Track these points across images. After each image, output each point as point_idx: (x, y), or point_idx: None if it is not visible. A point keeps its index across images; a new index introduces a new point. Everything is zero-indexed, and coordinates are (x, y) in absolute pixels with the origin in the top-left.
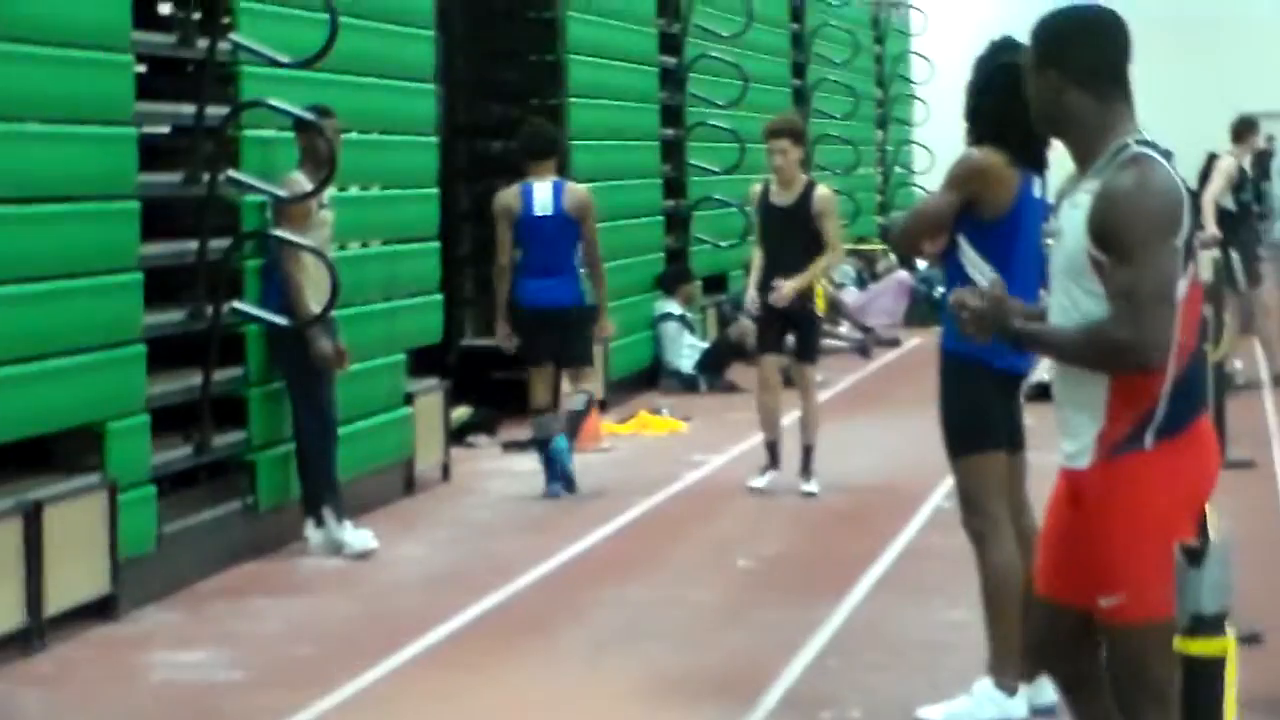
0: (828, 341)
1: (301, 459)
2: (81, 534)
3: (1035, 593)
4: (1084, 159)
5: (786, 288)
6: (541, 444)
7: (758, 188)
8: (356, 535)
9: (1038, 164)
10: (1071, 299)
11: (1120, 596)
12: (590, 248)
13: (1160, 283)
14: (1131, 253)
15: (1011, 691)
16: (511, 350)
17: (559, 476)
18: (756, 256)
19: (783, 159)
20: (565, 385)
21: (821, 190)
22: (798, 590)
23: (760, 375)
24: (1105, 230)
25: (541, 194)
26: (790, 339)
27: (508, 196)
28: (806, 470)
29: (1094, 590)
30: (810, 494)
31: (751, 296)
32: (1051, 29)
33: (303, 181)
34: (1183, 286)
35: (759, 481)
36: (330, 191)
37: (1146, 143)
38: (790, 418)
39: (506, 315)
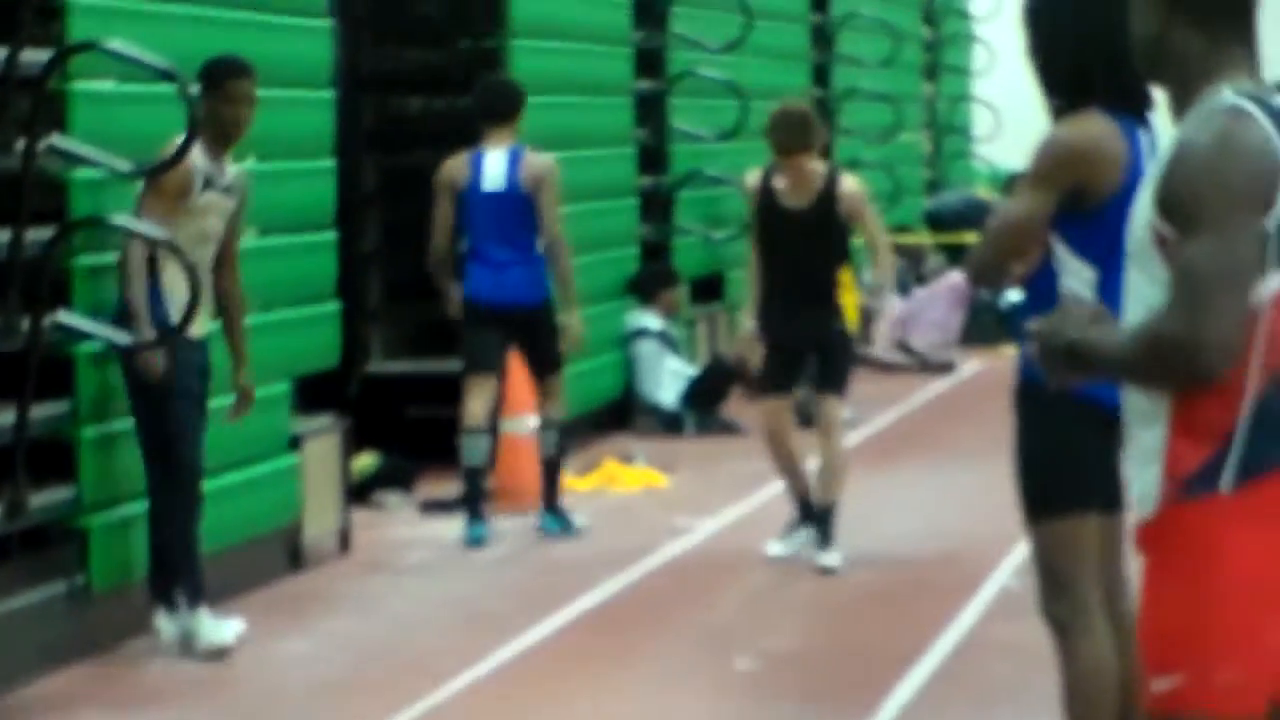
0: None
1: (153, 524)
2: None
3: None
4: (1180, 109)
5: (888, 299)
6: (468, 474)
7: (755, 177)
8: (215, 626)
9: (1141, 107)
10: (1138, 293)
11: (1176, 678)
12: (549, 229)
13: (1230, 267)
14: (1198, 224)
15: None
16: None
17: (482, 516)
18: (755, 273)
19: (798, 175)
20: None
21: (848, 185)
22: (815, 700)
23: (766, 425)
24: (1171, 197)
25: (494, 165)
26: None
27: (453, 166)
28: (825, 538)
29: (1146, 670)
30: (830, 569)
31: (749, 328)
32: None
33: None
34: (1276, 283)
35: (781, 546)
36: (231, 172)
37: (1252, 95)
38: (807, 466)
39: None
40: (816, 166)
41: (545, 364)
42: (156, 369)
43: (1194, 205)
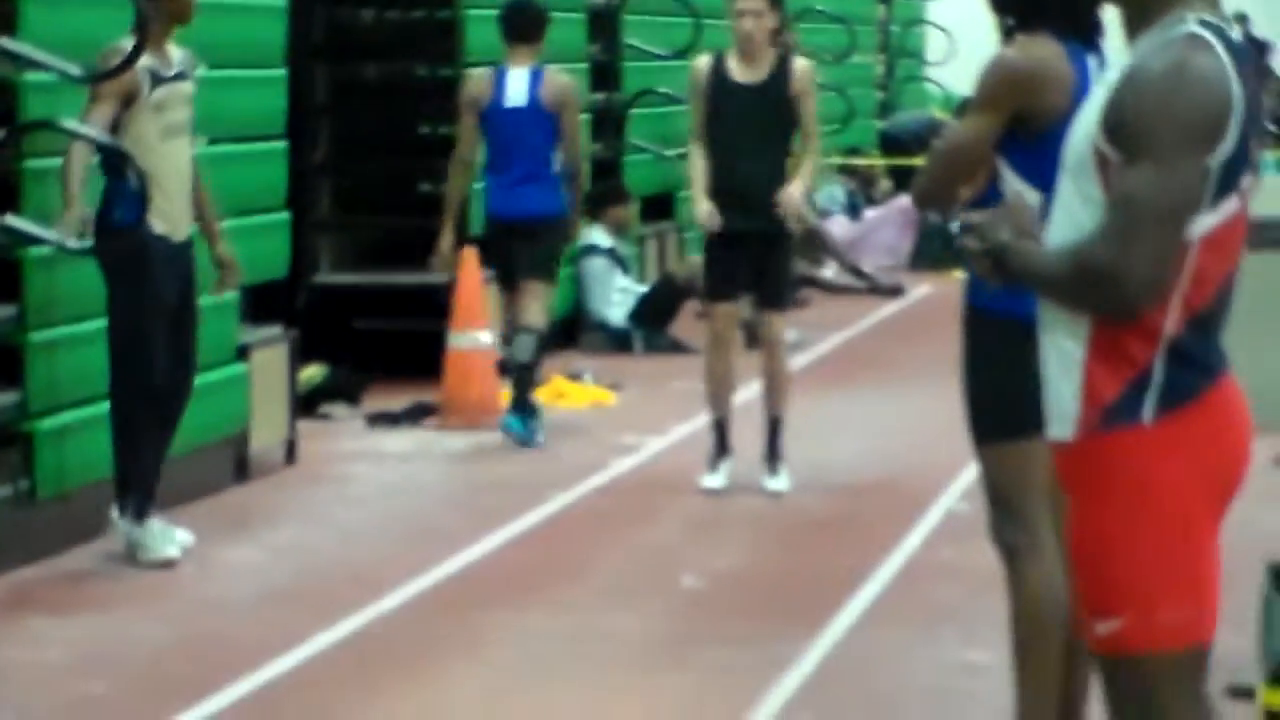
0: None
1: (111, 429)
2: None
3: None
4: (1135, 31)
5: (794, 194)
6: (521, 369)
7: (704, 62)
8: (160, 538)
9: (1092, 32)
10: (1067, 208)
11: (1120, 620)
12: (570, 147)
13: (1169, 202)
14: (1142, 153)
15: None
16: (449, 275)
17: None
18: (697, 157)
19: (754, 23)
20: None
21: (801, 63)
22: (760, 619)
23: (711, 329)
24: (1119, 119)
25: (516, 82)
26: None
27: (478, 82)
28: (773, 459)
29: (1088, 612)
30: (777, 492)
31: (707, 210)
32: None
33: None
34: (1208, 222)
35: (716, 479)
36: (176, 58)
37: (1212, 25)
38: (750, 390)
39: (456, 224)
40: (770, 23)
41: (543, 270)
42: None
43: (1142, 133)
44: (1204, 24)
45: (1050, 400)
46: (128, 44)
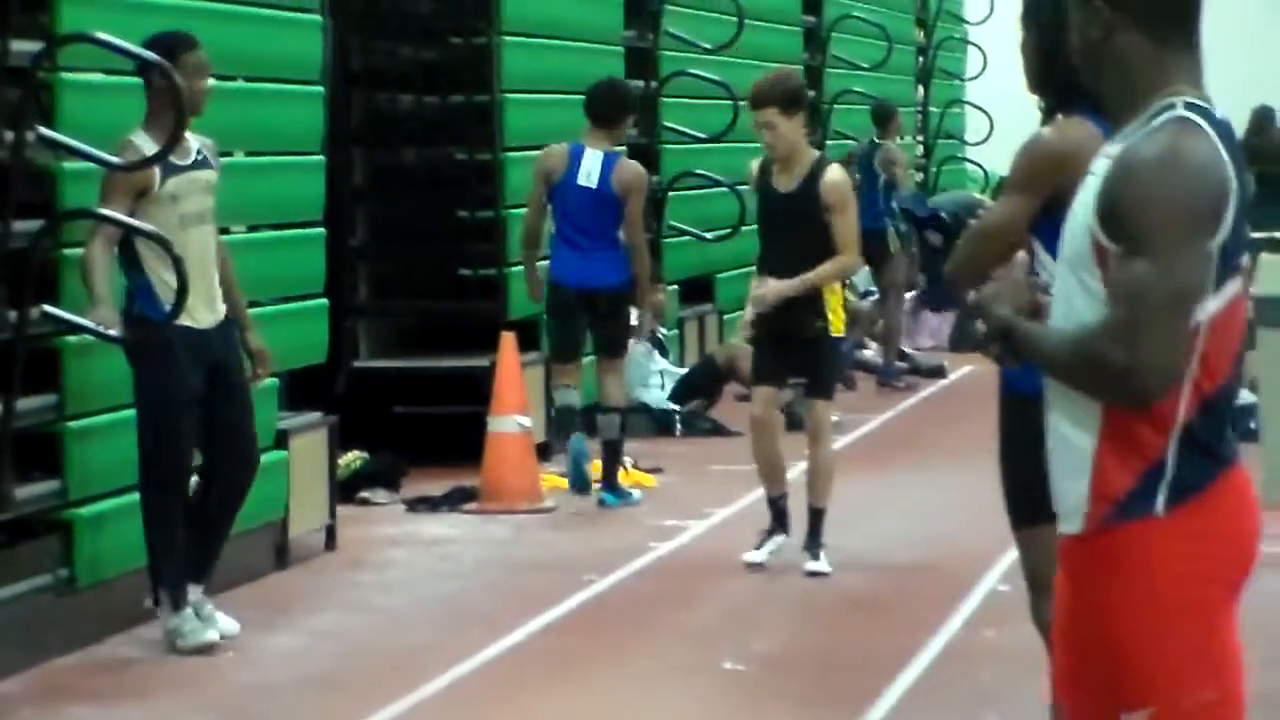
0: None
1: (144, 516)
2: None
3: (1055, 701)
4: (1122, 118)
5: (772, 289)
6: (609, 445)
7: (757, 164)
8: (199, 626)
9: None
10: (1066, 299)
11: (1149, 710)
12: (632, 231)
13: (1177, 291)
14: (1144, 244)
15: None
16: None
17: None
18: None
19: (772, 135)
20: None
21: (833, 174)
22: (801, 703)
23: (754, 414)
24: (1116, 208)
25: (590, 163)
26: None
27: (553, 157)
28: (814, 543)
29: (1114, 705)
30: (819, 574)
31: (750, 311)
32: None
33: (141, 146)
34: (1214, 305)
35: (758, 555)
36: (193, 146)
37: (1200, 108)
38: (795, 471)
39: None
40: (805, 150)
41: (614, 345)
42: (105, 316)
43: (1140, 224)
44: (1191, 107)
45: (1057, 495)
46: (139, 137)
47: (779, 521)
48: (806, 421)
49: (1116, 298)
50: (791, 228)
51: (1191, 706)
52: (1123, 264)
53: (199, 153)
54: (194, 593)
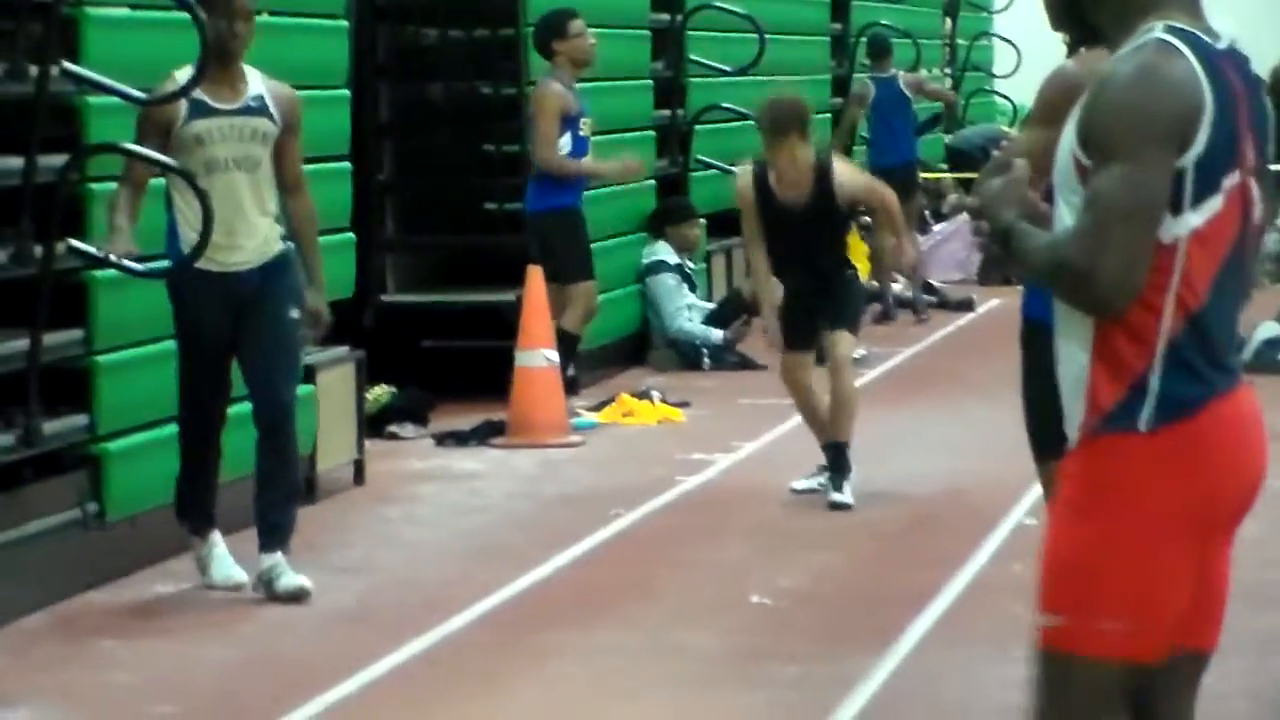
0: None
1: (179, 449)
2: None
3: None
4: (1116, 45)
5: (909, 252)
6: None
7: (748, 175)
8: (230, 563)
9: None
10: (1061, 222)
11: (1061, 618)
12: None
13: (1135, 201)
14: (1109, 155)
15: None
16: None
17: None
18: (759, 260)
19: (791, 163)
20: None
21: (841, 172)
22: (829, 636)
23: (787, 380)
24: (1090, 126)
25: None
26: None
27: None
28: (838, 475)
29: (1038, 604)
30: (842, 505)
31: (769, 308)
32: None
33: (179, 83)
34: (1195, 220)
35: (803, 482)
36: (250, 92)
37: (1184, 32)
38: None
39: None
40: (806, 155)
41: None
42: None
43: (1108, 136)
44: (1173, 30)
45: (1066, 418)
46: (182, 74)
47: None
48: (829, 355)
49: (1084, 206)
50: (807, 235)
51: (1105, 629)
52: (1092, 176)
53: (257, 99)
54: (267, 559)
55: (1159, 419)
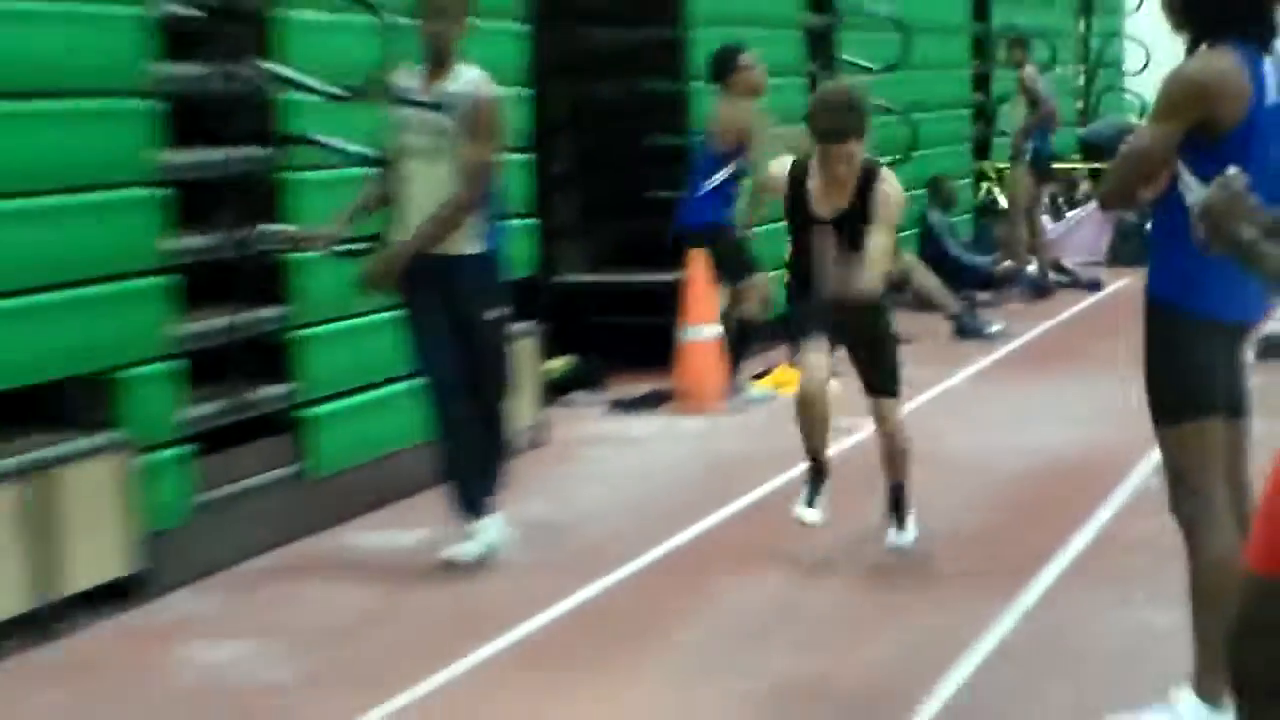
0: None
1: None
2: (96, 502)
3: (1249, 565)
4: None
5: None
6: None
7: (782, 167)
8: (456, 538)
9: (1267, 38)
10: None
11: None
12: None
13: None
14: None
15: (1218, 706)
16: None
17: None
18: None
19: (846, 167)
20: None
21: (885, 192)
22: (962, 584)
23: (802, 383)
24: None
25: None
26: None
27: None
28: (898, 517)
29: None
30: (902, 548)
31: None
32: None
33: (396, 79)
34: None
35: (812, 514)
36: (447, 89)
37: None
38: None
39: None
40: (857, 161)
41: None
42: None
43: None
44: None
45: None
46: (404, 69)
47: (816, 471)
48: (876, 416)
49: None
50: (842, 244)
51: None
52: None
53: (448, 96)
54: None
55: None
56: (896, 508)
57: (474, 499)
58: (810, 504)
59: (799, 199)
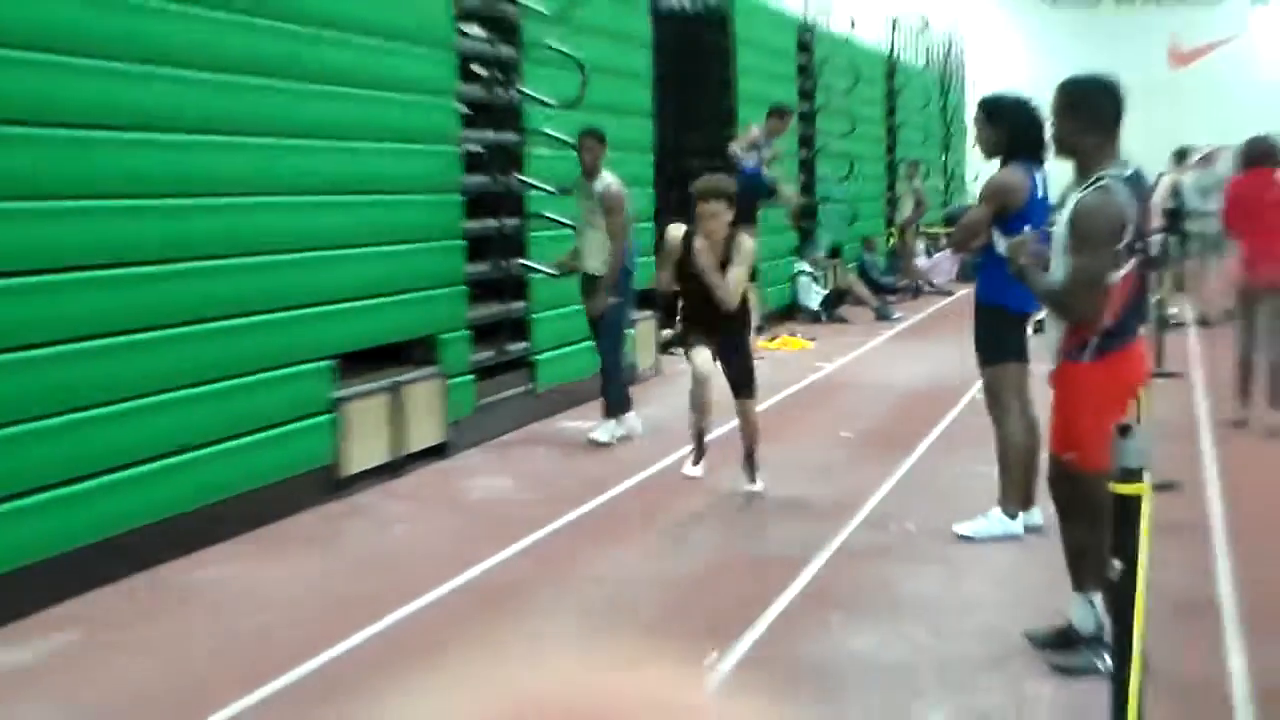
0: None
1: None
2: (426, 404)
3: (1049, 448)
4: (1079, 180)
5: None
6: None
7: (678, 234)
8: (604, 429)
9: (1041, 160)
10: (1058, 267)
11: (1074, 454)
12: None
13: (1094, 273)
14: (1081, 247)
15: (1013, 516)
16: None
17: None
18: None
19: (715, 222)
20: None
21: (747, 244)
22: (880, 450)
23: (696, 374)
24: (1073, 229)
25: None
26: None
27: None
28: (751, 471)
29: (1062, 446)
30: (756, 493)
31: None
32: (1081, 87)
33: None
34: (1123, 271)
35: (696, 469)
36: (597, 188)
37: (1116, 176)
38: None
39: None
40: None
41: None
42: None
43: (1081, 236)
44: (1112, 177)
45: (1050, 349)
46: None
47: (699, 446)
48: (739, 413)
49: (1069, 269)
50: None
51: (1093, 455)
52: (1074, 253)
53: (597, 192)
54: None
55: (1094, 356)
56: (750, 465)
57: (611, 404)
58: (695, 463)
59: (686, 255)
